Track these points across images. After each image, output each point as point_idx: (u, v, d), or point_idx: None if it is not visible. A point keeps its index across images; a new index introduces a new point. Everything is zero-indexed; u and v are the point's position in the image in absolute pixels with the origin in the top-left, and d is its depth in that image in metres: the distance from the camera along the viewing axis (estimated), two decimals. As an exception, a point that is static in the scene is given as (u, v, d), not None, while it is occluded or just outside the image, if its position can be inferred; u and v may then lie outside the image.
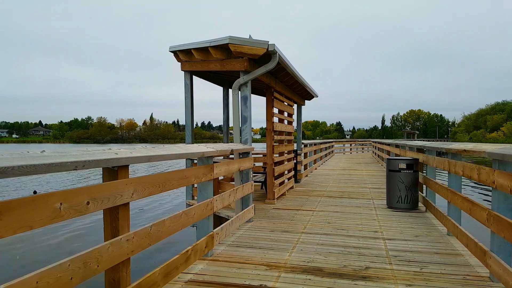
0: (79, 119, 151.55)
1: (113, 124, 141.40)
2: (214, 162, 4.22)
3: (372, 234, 5.04)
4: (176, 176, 3.26)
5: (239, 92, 5.83)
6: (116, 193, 2.42)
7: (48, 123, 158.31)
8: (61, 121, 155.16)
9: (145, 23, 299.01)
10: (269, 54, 5.55)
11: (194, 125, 7.26)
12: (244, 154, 5.52)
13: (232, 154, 5.91)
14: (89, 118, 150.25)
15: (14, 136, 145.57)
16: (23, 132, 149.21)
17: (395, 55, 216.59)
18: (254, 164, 7.01)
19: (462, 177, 4.54)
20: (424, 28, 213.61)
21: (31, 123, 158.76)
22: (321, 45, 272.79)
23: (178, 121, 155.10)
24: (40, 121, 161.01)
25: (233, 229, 4.93)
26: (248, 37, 5.52)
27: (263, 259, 3.98)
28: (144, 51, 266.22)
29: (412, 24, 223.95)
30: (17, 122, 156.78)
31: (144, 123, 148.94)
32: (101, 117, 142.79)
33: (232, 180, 7.69)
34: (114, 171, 2.49)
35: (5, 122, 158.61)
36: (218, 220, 6.04)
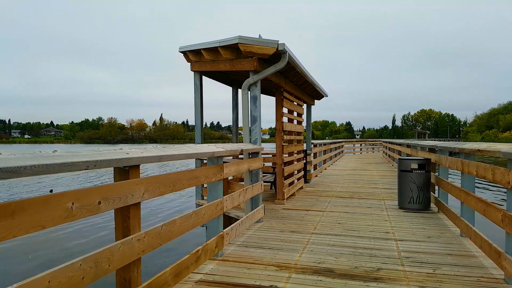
0: (90, 120, 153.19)
1: (123, 125, 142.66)
2: (224, 162, 4.22)
3: (383, 235, 4.99)
4: (187, 176, 3.25)
5: (249, 92, 5.82)
6: (127, 193, 2.42)
7: (59, 124, 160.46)
8: (72, 122, 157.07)
9: (153, 24, 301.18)
10: (279, 53, 5.53)
11: (203, 125, 7.27)
12: (254, 154, 5.50)
13: (242, 154, 5.90)
14: (99, 118, 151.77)
15: (26, 136, 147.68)
16: (35, 132, 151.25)
17: (407, 54, 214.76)
18: (263, 164, 6.98)
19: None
20: (437, 27, 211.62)
21: (43, 123, 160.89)
22: (332, 44, 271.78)
23: (187, 121, 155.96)
24: (51, 122, 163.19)
25: (242, 229, 4.92)
26: (257, 37, 5.50)
27: (273, 260, 3.96)
28: (153, 52, 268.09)
29: (425, 22, 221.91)
30: (29, 123, 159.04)
31: (154, 123, 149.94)
32: (111, 118, 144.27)
33: (242, 180, 7.68)
34: (125, 171, 2.50)
35: (18, 122, 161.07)
36: (228, 220, 6.03)
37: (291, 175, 8.20)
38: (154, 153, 2.75)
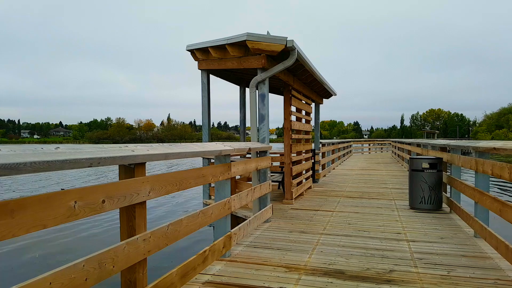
0: (98, 120, 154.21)
1: (132, 125, 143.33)
2: (232, 161, 4.14)
3: (395, 235, 4.87)
4: (194, 174, 3.18)
5: (257, 90, 5.73)
6: (133, 192, 2.35)
7: (68, 124, 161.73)
8: (81, 122, 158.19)
9: (161, 24, 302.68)
10: (288, 50, 5.44)
11: (211, 125, 7.19)
12: (262, 153, 5.42)
13: (249, 153, 5.82)
14: (108, 119, 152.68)
15: (35, 136, 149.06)
16: (44, 132, 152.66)
17: (415, 54, 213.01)
18: (271, 164, 6.88)
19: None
20: (448, 27, 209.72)
21: (52, 124, 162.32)
22: (341, 43, 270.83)
23: (194, 121, 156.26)
24: (60, 122, 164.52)
25: (250, 229, 4.84)
26: (266, 34, 5.42)
27: (282, 261, 3.87)
28: (160, 52, 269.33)
29: (435, 22, 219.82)
30: (38, 123, 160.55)
31: (162, 123, 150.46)
32: (119, 118, 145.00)
33: (249, 179, 7.59)
34: (131, 168, 2.42)
35: (27, 123, 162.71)
36: (236, 220, 5.96)
37: (299, 174, 8.10)
38: (160, 150, 2.68)
